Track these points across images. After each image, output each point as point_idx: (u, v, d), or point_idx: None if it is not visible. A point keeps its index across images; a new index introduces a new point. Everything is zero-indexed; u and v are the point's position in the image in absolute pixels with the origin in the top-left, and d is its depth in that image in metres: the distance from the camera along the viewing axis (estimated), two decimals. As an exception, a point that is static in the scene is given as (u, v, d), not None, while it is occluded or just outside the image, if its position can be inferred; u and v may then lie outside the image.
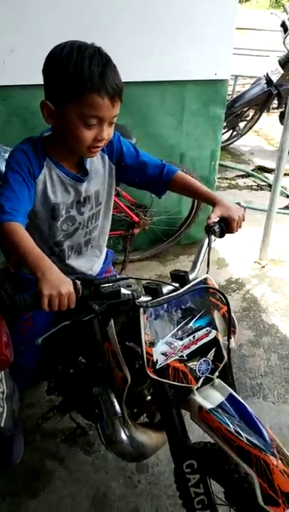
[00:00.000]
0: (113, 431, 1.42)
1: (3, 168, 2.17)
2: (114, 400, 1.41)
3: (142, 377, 1.39)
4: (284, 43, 4.60)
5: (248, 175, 4.90)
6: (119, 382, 1.32)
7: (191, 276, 1.31)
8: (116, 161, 1.47)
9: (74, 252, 1.55)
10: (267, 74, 4.79)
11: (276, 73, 4.67)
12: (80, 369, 1.64)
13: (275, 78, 4.71)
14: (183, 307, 1.24)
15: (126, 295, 1.17)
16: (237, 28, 2.93)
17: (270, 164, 5.10)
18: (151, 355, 1.18)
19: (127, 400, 1.41)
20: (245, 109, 5.05)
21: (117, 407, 1.41)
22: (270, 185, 4.63)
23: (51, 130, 1.36)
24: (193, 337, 1.25)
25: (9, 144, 2.39)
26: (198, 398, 1.25)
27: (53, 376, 1.81)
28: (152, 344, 1.19)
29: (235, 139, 5.36)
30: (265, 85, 4.80)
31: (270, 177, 4.86)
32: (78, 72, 1.17)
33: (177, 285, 1.27)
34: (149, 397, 1.57)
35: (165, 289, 1.26)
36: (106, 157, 1.46)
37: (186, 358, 1.23)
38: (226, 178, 4.78)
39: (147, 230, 3.09)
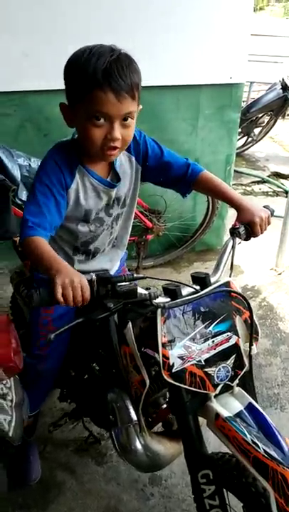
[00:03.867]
0: (128, 439, 1.37)
1: (17, 173, 2.17)
2: (130, 407, 1.37)
3: (158, 385, 1.35)
4: (300, 48, 4.56)
5: (263, 181, 4.83)
6: (136, 386, 1.27)
7: (213, 279, 1.26)
8: (142, 161, 1.44)
9: (98, 252, 1.53)
10: (282, 79, 4.74)
11: (292, 78, 4.62)
12: (94, 374, 1.59)
13: (290, 83, 4.66)
14: (203, 310, 1.19)
15: (143, 295, 1.14)
16: (252, 35, 2.89)
17: (285, 170, 5.05)
18: (168, 358, 1.14)
19: (142, 407, 1.36)
20: (261, 114, 5.00)
21: (133, 414, 1.36)
22: (286, 192, 4.59)
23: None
24: (213, 342, 1.19)
25: (22, 149, 2.38)
26: (215, 405, 1.20)
27: (66, 382, 1.76)
28: (169, 347, 1.14)
29: (250, 145, 5.31)
30: (281, 90, 4.75)
31: (286, 183, 4.81)
32: (84, 69, 1.16)
33: (198, 287, 1.22)
34: (164, 406, 1.52)
35: (185, 291, 1.21)
36: (133, 158, 1.43)
37: (204, 363, 1.17)
38: (242, 185, 4.72)
39: (161, 236, 3.04)
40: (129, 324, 1.28)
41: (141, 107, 1.30)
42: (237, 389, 1.24)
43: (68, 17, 2.44)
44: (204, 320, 1.19)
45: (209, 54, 2.73)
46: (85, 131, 1.22)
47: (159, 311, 1.14)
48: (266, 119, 5.15)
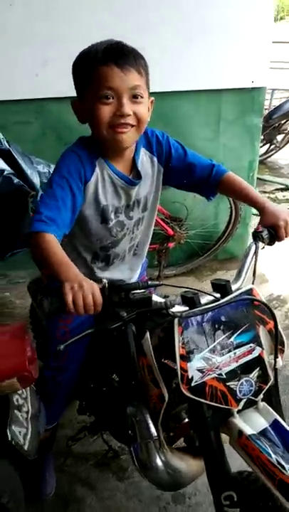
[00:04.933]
0: (147, 455, 1.31)
1: (37, 180, 2.15)
2: (150, 422, 1.31)
3: (179, 398, 1.28)
4: None
5: (287, 188, 4.73)
6: (155, 400, 1.21)
7: (234, 286, 1.19)
8: (164, 162, 1.40)
9: (118, 259, 1.48)
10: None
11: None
12: (113, 387, 1.54)
13: (314, 88, 4.56)
14: (223, 320, 1.12)
15: (158, 303, 1.07)
16: (273, 42, 2.83)
17: (310, 177, 4.95)
18: (186, 371, 1.07)
19: (163, 421, 1.30)
20: (283, 121, 4.91)
21: (153, 430, 1.30)
22: (310, 199, 4.50)
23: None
24: (234, 353, 1.12)
25: (43, 157, 2.37)
26: (238, 422, 1.13)
27: (85, 394, 1.71)
28: (187, 359, 1.07)
29: (273, 152, 5.21)
30: (304, 96, 4.65)
31: (311, 190, 4.71)
32: (87, 54, 1.20)
33: (218, 295, 1.15)
34: (186, 420, 1.45)
35: (204, 299, 1.15)
36: (155, 159, 1.40)
37: (225, 376, 1.10)
38: (265, 192, 4.63)
39: (183, 243, 2.98)
40: (147, 334, 1.22)
41: (152, 98, 1.28)
42: (262, 404, 1.17)
43: (86, 25, 2.43)
44: (225, 330, 1.12)
45: (230, 58, 2.69)
46: (94, 113, 1.19)
47: (176, 320, 1.08)
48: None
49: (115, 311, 1.05)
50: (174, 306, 1.09)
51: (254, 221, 3.49)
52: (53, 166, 2.31)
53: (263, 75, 2.76)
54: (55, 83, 2.50)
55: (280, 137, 5.21)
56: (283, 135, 5.22)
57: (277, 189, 4.73)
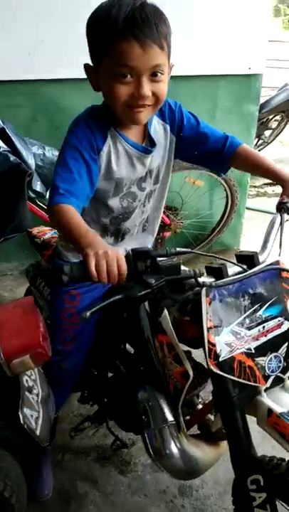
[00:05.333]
0: (162, 442, 1.22)
1: (32, 162, 2.04)
2: (164, 406, 1.23)
3: (193, 382, 1.20)
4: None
5: (275, 183, 4.70)
6: (177, 379, 1.12)
7: (260, 259, 1.12)
8: (176, 132, 1.33)
9: (128, 234, 1.40)
10: (294, 79, 4.65)
11: (304, 78, 4.52)
12: (120, 372, 1.45)
13: (303, 83, 4.56)
14: (251, 292, 1.05)
15: (187, 271, 1.00)
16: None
17: (298, 173, 4.94)
18: (214, 345, 0.99)
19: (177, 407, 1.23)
20: (271, 116, 4.89)
21: (167, 414, 1.22)
22: (300, 193, 4.48)
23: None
24: (263, 327, 1.05)
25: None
26: (266, 400, 1.06)
27: (88, 383, 1.61)
28: (215, 332, 1.00)
29: (261, 147, 5.18)
30: (293, 91, 4.65)
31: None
32: (105, 20, 1.05)
33: (245, 267, 1.08)
34: (200, 406, 1.38)
35: (230, 271, 1.07)
36: (168, 128, 1.32)
37: (253, 351, 1.03)
38: (254, 186, 4.61)
39: (178, 233, 2.91)
40: (165, 311, 1.14)
41: (173, 63, 1.18)
42: (289, 382, 1.10)
43: (85, 3, 2.33)
44: (253, 303, 1.05)
45: (227, 44, 2.63)
46: (110, 90, 1.11)
47: (203, 290, 1.00)
48: (277, 120, 5.04)
49: (143, 278, 0.97)
50: (203, 276, 1.02)
51: (248, 214, 3.47)
52: (47, 148, 2.22)
53: (260, 62, 2.72)
54: (49, 64, 2.41)
55: (267, 132, 5.19)
56: (271, 130, 5.20)
57: (265, 183, 4.71)
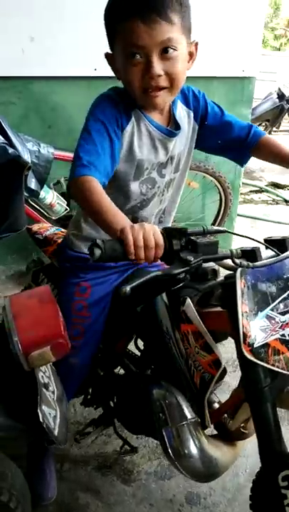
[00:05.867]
0: (181, 441, 1.15)
1: (27, 157, 1.96)
2: (183, 402, 1.16)
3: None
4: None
5: (261, 190, 4.75)
6: (206, 369, 1.06)
7: None
8: (200, 120, 1.29)
9: None
10: (279, 88, 4.72)
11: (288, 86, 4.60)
12: (130, 370, 1.37)
13: (287, 92, 4.63)
14: (285, 277, 1.00)
15: (223, 251, 0.94)
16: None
17: (281, 180, 5.01)
18: (249, 331, 0.93)
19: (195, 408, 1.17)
20: (256, 124, 4.95)
21: (187, 411, 1.16)
22: (285, 200, 4.52)
23: None
24: (296, 313, 0.99)
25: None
26: (300, 391, 1.00)
27: (93, 384, 1.52)
28: (250, 317, 0.94)
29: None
30: (277, 100, 4.73)
31: (284, 193, 4.74)
32: (113, 3, 1.06)
33: (277, 252, 1.03)
34: (216, 405, 1.31)
35: (263, 255, 1.02)
36: (192, 114, 1.28)
37: (288, 337, 0.97)
38: (241, 194, 4.61)
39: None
40: (188, 300, 1.09)
41: (196, 41, 1.15)
42: None
43: (78, 1, 2.29)
44: (286, 288, 1.00)
45: (222, 46, 2.62)
46: (124, 75, 1.09)
47: (238, 272, 0.94)
48: (262, 128, 5.11)
49: (180, 256, 0.91)
50: (240, 256, 0.96)
51: (238, 219, 3.46)
52: (42, 145, 2.14)
53: (254, 65, 2.72)
54: (41, 62, 2.35)
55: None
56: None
57: (252, 191, 4.74)
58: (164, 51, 1.04)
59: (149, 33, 1.00)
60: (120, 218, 0.94)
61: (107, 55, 1.15)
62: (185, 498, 1.64)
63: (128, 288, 0.84)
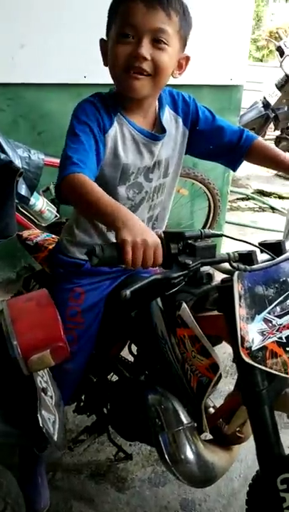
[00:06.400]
0: (177, 446, 1.15)
1: (18, 163, 1.95)
2: (179, 407, 1.16)
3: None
4: (281, 66, 4.63)
5: (248, 198, 4.80)
6: (204, 373, 1.06)
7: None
8: (190, 125, 1.29)
9: None
10: (264, 97, 4.79)
11: (273, 96, 4.67)
12: (124, 376, 1.37)
13: (272, 101, 4.70)
14: (281, 280, 1.01)
15: (221, 254, 0.95)
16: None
17: (267, 188, 5.06)
18: (246, 334, 0.94)
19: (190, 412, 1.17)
20: (242, 133, 5.01)
21: (183, 416, 1.16)
22: (272, 208, 4.57)
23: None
24: (293, 316, 1.00)
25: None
26: (297, 393, 1.01)
27: (86, 391, 1.51)
28: (248, 320, 0.94)
29: (231, 163, 5.29)
30: (262, 109, 4.78)
31: (270, 200, 4.80)
32: None
33: (272, 255, 1.04)
34: (212, 410, 1.31)
35: (259, 258, 1.03)
36: (180, 120, 1.28)
37: (285, 340, 0.98)
38: (228, 201, 4.66)
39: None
40: (184, 304, 1.09)
41: (188, 55, 1.19)
42: (317, 375, 1.05)
43: (67, 7, 2.31)
44: (283, 291, 1.01)
45: (210, 54, 2.65)
46: (111, 54, 1.11)
47: (235, 275, 0.95)
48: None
49: (178, 260, 0.91)
50: (237, 259, 0.97)
51: (227, 226, 3.49)
52: (33, 151, 2.14)
53: (241, 73, 2.77)
54: (31, 68, 2.35)
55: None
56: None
57: (238, 198, 4.78)
58: (156, 40, 1.08)
59: (147, 16, 1.05)
60: (123, 213, 0.92)
61: (101, 41, 1.18)
62: (180, 504, 1.63)
63: (128, 292, 0.85)
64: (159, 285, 0.94)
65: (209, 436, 1.31)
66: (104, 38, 1.17)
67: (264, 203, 4.67)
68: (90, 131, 1.11)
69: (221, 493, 1.67)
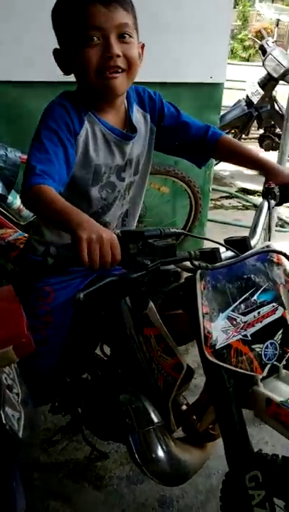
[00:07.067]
0: (148, 446, 1.15)
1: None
2: (149, 407, 1.16)
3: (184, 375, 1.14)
4: (263, 64, 4.65)
5: (231, 196, 4.82)
6: (169, 373, 1.05)
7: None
8: (157, 121, 1.30)
9: (108, 228, 1.31)
10: (247, 96, 4.81)
11: (256, 94, 4.69)
12: (97, 376, 1.36)
13: (255, 100, 4.72)
14: (245, 277, 1.01)
15: (182, 253, 0.95)
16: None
17: (251, 187, 5.08)
18: (210, 332, 0.94)
19: (161, 410, 1.17)
20: (226, 131, 5.02)
21: (153, 415, 1.16)
22: (255, 206, 4.60)
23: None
24: (258, 313, 1.01)
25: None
26: (264, 390, 1.01)
27: (61, 391, 1.50)
28: (211, 318, 0.94)
29: (216, 162, 5.30)
30: (246, 107, 4.80)
31: (254, 199, 4.82)
32: None
33: (237, 252, 1.04)
34: (184, 407, 1.31)
35: (223, 255, 1.03)
36: (148, 117, 1.28)
37: (250, 338, 0.98)
38: (212, 200, 4.66)
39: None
40: (151, 303, 1.09)
41: (143, 42, 1.19)
42: (284, 372, 1.06)
43: (47, 6, 2.29)
44: (248, 288, 1.01)
45: (190, 52, 2.66)
46: (79, 60, 1.09)
47: (198, 274, 0.95)
48: (232, 134, 5.18)
49: (137, 260, 0.90)
50: (198, 257, 0.97)
51: (210, 225, 3.49)
52: (9, 149, 2.12)
53: (222, 71, 2.77)
54: (8, 65, 2.33)
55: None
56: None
57: (222, 197, 4.80)
58: (121, 36, 1.09)
59: (109, 15, 1.06)
60: (75, 216, 0.92)
61: (55, 52, 1.17)
62: (157, 501, 1.64)
63: (81, 294, 0.84)
64: (121, 285, 0.93)
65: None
66: (57, 47, 1.16)
67: (248, 201, 4.71)
68: (58, 139, 1.09)
69: (198, 489, 1.68)
